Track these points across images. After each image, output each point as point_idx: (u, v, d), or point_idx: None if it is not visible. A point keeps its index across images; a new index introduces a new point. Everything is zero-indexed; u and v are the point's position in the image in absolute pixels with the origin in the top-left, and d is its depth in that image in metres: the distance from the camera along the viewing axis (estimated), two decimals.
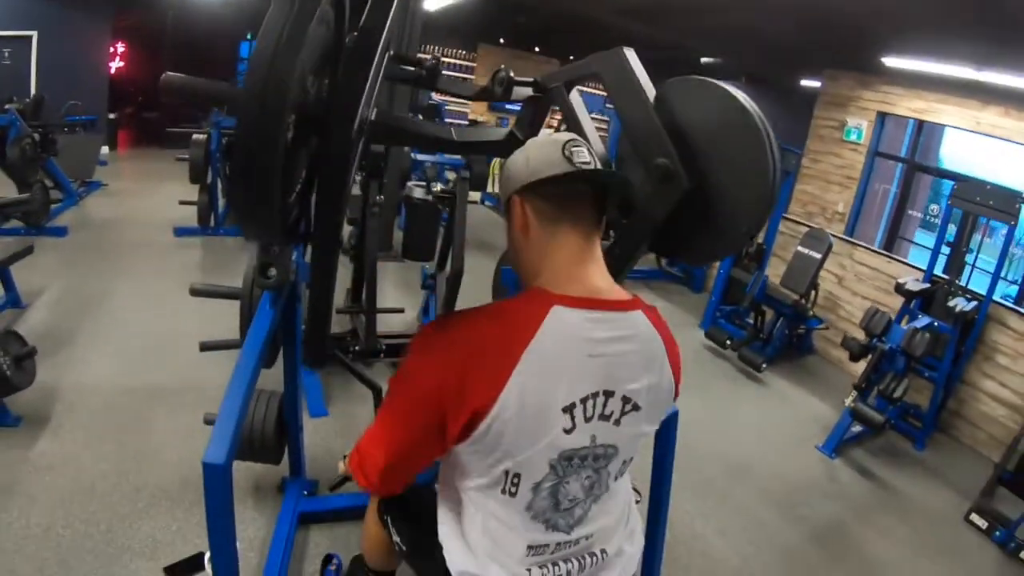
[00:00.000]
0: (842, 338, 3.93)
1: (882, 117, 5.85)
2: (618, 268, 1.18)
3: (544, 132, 1.32)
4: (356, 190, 3.62)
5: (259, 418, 1.94)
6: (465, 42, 10.27)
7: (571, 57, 10.59)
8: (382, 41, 1.00)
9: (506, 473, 0.90)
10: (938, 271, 3.96)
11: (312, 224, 1.15)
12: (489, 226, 6.57)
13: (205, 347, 2.41)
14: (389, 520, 1.26)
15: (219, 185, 4.96)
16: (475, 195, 7.56)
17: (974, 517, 2.91)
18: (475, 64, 10.52)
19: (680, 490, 2.66)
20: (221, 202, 5.05)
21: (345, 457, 1.16)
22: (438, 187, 3.17)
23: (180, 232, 4.89)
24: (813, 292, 4.37)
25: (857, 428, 3.36)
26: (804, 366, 4.55)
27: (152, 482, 2.22)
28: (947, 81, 4.86)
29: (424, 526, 1.06)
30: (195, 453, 1.12)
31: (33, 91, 6.34)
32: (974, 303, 3.64)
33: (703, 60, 7.51)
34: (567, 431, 0.87)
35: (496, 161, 6.68)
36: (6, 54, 6.45)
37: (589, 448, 0.91)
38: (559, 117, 1.47)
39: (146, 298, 3.67)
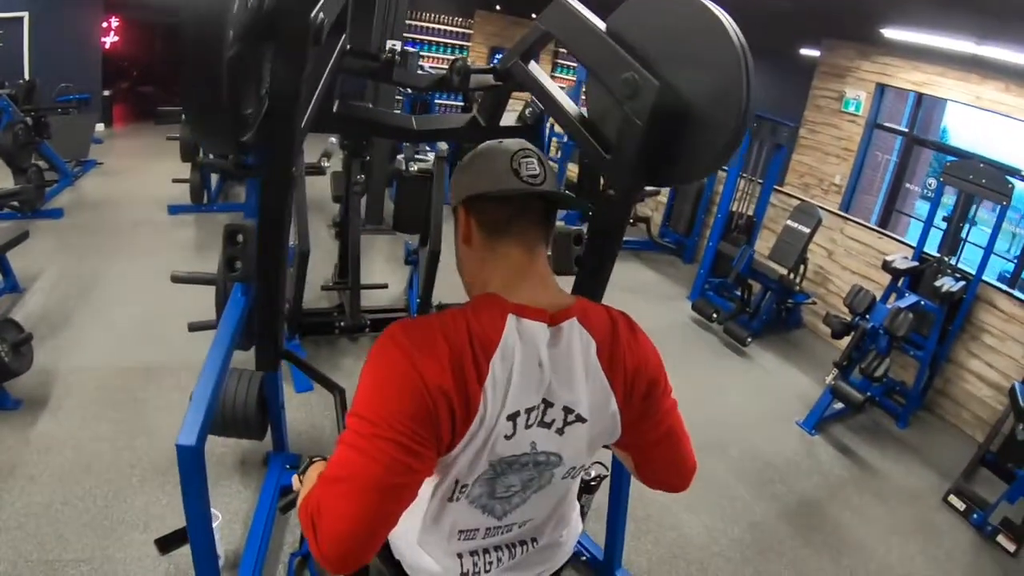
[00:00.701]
0: (825, 315, 3.95)
1: (881, 89, 5.76)
2: (612, 233, 1.19)
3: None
4: (339, 167, 3.66)
5: (240, 397, 2.01)
6: (461, 8, 10.09)
7: None
8: None
9: (456, 483, 0.88)
10: (930, 248, 3.93)
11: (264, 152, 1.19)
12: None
13: (193, 327, 2.47)
14: None
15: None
16: None
17: (952, 498, 2.92)
18: (472, 31, 10.34)
19: None
20: (214, 179, 5.09)
21: (299, 473, 1.07)
22: (415, 167, 3.18)
23: (174, 210, 4.95)
24: (802, 267, 4.37)
25: (839, 405, 3.39)
26: (791, 340, 4.58)
27: (145, 459, 2.32)
28: (947, 54, 4.78)
29: None
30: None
31: (27, 73, 6.34)
32: (962, 283, 3.61)
33: None
34: (507, 437, 0.85)
35: None
36: None
37: (530, 455, 0.89)
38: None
39: (141, 278, 3.73)
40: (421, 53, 9.46)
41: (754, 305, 4.45)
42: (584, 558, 2.08)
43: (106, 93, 7.48)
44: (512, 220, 0.91)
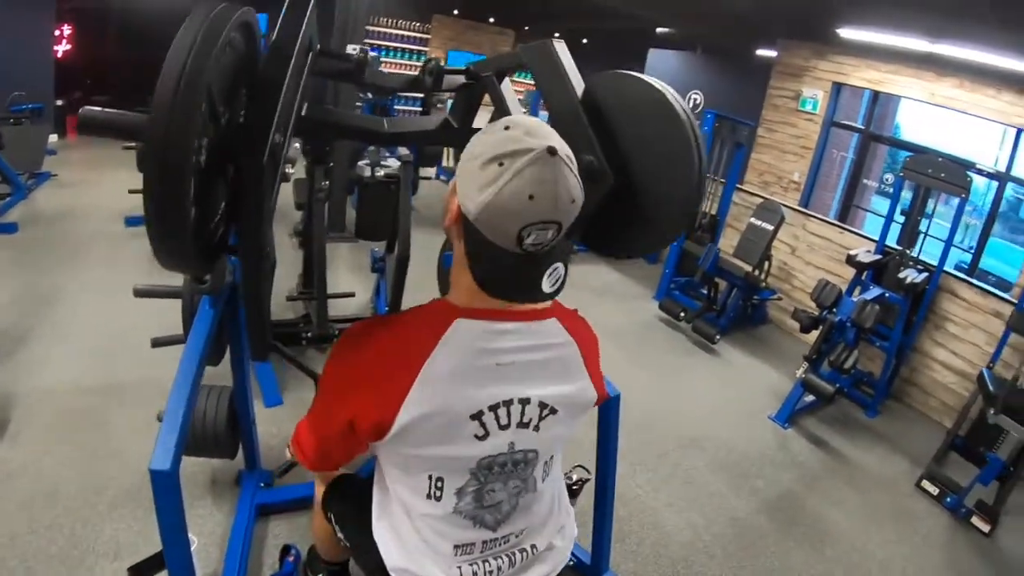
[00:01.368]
0: (792, 310, 4.03)
1: (837, 87, 5.92)
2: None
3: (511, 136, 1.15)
4: (302, 174, 3.59)
5: (210, 414, 1.95)
6: (419, 13, 10.08)
7: (526, 28, 10.47)
8: (294, 57, 0.99)
9: (430, 478, 0.94)
10: (891, 242, 4.04)
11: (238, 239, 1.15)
12: (443, 202, 6.55)
13: (157, 343, 2.39)
14: (332, 517, 1.29)
15: None
16: (430, 171, 7.47)
17: (925, 484, 3.00)
18: (429, 36, 10.34)
19: (632, 464, 2.76)
20: None
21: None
22: (381, 172, 3.13)
23: (131, 222, 4.79)
24: (766, 263, 4.46)
25: (809, 398, 3.46)
26: (758, 336, 4.66)
27: (113, 483, 2.22)
28: (902, 53, 4.92)
29: (363, 523, 1.09)
30: (152, 451, 1.15)
31: None
32: (925, 274, 3.73)
33: (658, 30, 7.43)
34: (480, 438, 0.91)
35: None
36: None
37: (507, 455, 0.95)
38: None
39: (100, 292, 3.60)
40: (381, 59, 9.43)
41: (721, 303, 4.52)
42: (571, 563, 2.07)
43: (59, 103, 7.21)
44: (496, 259, 0.89)
